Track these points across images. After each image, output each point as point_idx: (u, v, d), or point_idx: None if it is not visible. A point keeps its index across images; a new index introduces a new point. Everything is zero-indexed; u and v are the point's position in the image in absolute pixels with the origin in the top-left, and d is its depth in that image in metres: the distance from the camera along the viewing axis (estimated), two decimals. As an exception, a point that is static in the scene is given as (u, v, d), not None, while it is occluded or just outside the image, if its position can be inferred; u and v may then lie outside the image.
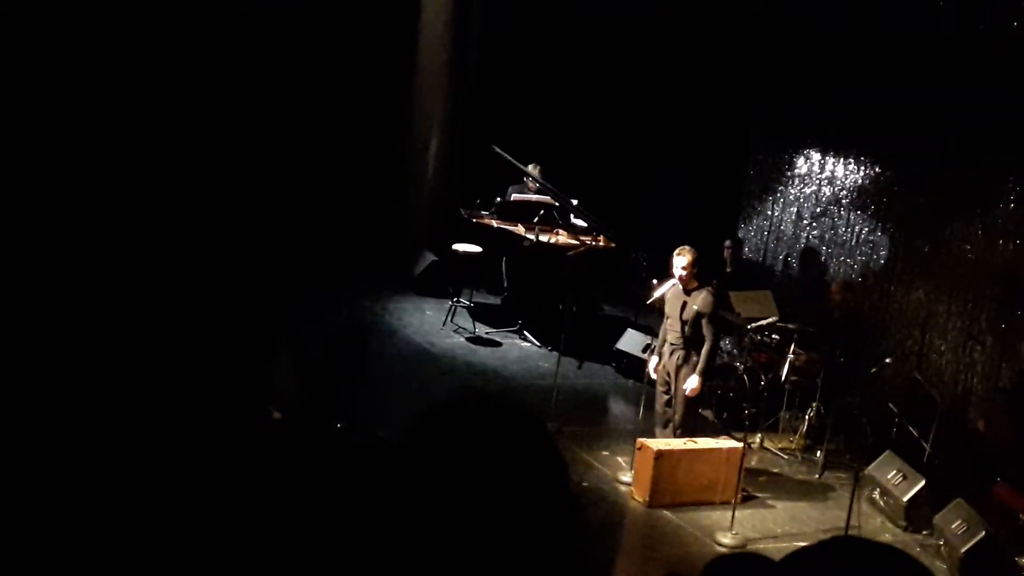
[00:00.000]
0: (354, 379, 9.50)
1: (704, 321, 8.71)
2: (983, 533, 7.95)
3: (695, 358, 8.75)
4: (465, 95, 14.24)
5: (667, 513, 8.51)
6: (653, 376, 9.15)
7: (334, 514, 1.95)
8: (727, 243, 12.49)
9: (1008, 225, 10.65)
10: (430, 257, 13.47)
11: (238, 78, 12.50)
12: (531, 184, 12.77)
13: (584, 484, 8.73)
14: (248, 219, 11.70)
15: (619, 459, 9.33)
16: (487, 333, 12.30)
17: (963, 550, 7.97)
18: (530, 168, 12.59)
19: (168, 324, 7.96)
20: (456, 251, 12.36)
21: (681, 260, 8.77)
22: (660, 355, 9.09)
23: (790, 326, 10.35)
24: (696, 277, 8.83)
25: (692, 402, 8.85)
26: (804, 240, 13.06)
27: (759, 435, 10.27)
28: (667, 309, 8.99)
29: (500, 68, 14.45)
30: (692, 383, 8.72)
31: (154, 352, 7.14)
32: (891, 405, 10.02)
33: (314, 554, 1.93)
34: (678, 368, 8.84)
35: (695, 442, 8.84)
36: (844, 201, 12.53)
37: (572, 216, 12.58)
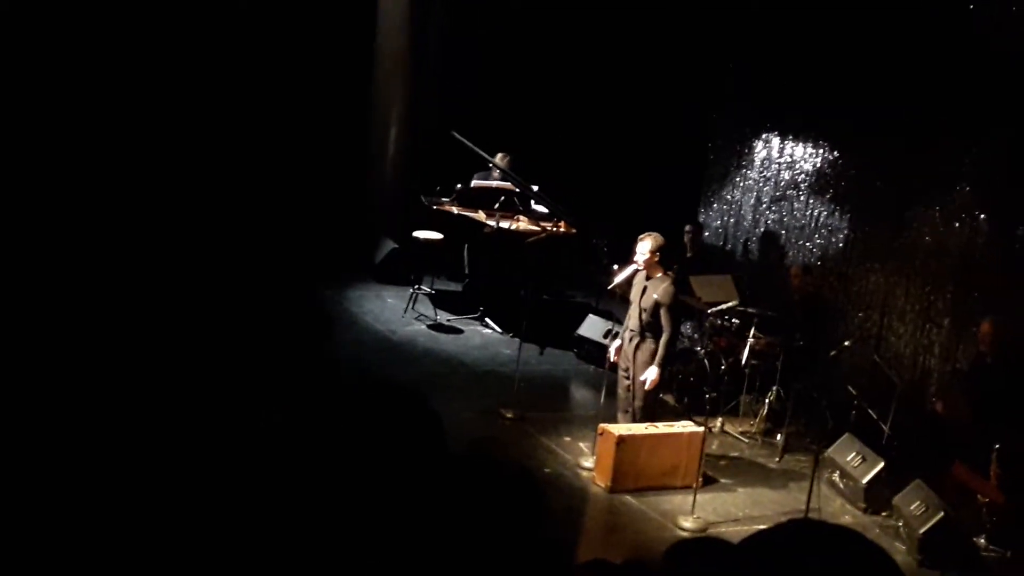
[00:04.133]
0: (313, 367, 9.49)
1: (663, 311, 8.68)
2: (941, 514, 8.04)
3: (652, 345, 8.74)
4: (425, 81, 14.19)
5: (629, 498, 8.54)
6: (614, 360, 9.15)
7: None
8: (687, 228, 12.53)
9: (964, 208, 10.75)
10: (391, 244, 13.43)
11: (196, 68, 12.42)
12: (494, 172, 12.76)
13: (546, 470, 8.74)
14: (208, 212, 11.65)
15: (581, 445, 9.35)
16: (448, 320, 12.28)
17: (921, 531, 8.05)
18: (498, 158, 12.55)
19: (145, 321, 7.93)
20: (417, 238, 12.32)
21: (644, 245, 8.76)
22: (622, 340, 9.10)
23: (750, 310, 10.41)
24: (660, 264, 8.81)
25: (652, 388, 8.86)
26: (764, 224, 13.13)
27: (720, 419, 10.33)
28: (631, 294, 8.99)
29: (460, 54, 14.42)
30: (650, 375, 8.71)
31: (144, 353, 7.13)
32: (850, 388, 10.09)
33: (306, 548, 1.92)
34: (636, 355, 8.84)
35: (656, 427, 8.86)
36: (803, 185, 12.61)
37: (533, 202, 12.58)
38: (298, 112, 13.33)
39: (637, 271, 8.89)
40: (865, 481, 8.86)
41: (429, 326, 12.08)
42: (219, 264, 10.80)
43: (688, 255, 12.20)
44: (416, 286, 12.50)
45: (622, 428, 8.74)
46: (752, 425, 10.44)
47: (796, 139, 12.75)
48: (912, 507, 8.25)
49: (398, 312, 12.30)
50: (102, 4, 11.91)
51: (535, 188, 12.50)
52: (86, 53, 11.73)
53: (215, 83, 12.60)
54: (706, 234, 13.44)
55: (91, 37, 11.78)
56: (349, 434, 1.78)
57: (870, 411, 9.94)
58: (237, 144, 12.63)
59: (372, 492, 1.72)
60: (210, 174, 12.23)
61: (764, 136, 13.14)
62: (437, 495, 1.72)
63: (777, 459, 9.90)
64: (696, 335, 11.23)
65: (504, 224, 12.10)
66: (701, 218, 13.74)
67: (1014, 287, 10.22)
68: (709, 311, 10.50)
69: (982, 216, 10.62)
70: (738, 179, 13.48)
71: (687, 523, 8.16)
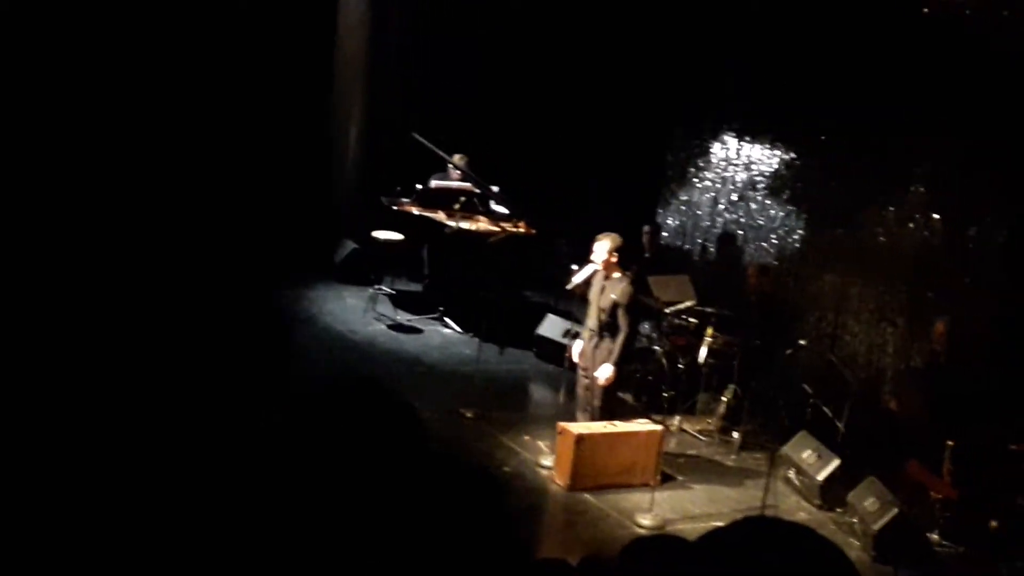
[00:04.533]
0: (276, 367, 9.47)
1: (620, 311, 8.74)
2: (895, 511, 8.15)
3: (611, 345, 8.80)
4: (385, 82, 14.17)
5: (588, 496, 8.59)
6: (576, 360, 9.21)
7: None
8: (646, 228, 12.58)
9: (918, 208, 10.89)
10: (351, 245, 13.41)
11: (154, 70, 12.34)
12: (453, 172, 12.77)
13: (506, 469, 8.79)
14: (166, 211, 11.59)
15: (540, 444, 9.39)
16: (408, 320, 12.29)
17: (876, 527, 8.16)
18: (456, 158, 12.57)
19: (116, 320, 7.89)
20: (377, 238, 12.31)
21: (602, 246, 8.81)
22: (583, 340, 9.15)
23: (707, 309, 10.49)
24: (618, 264, 8.87)
25: (611, 387, 8.92)
26: (721, 225, 13.22)
27: (678, 418, 10.40)
28: (590, 294, 9.05)
29: (420, 54, 14.40)
30: (605, 372, 8.77)
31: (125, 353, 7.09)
32: (806, 386, 10.20)
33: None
34: (595, 354, 8.91)
35: (615, 425, 8.92)
36: (760, 186, 12.71)
37: (493, 203, 12.61)
38: (258, 113, 13.26)
39: (596, 271, 8.94)
40: (820, 478, 8.97)
41: (389, 326, 12.09)
42: (178, 264, 10.75)
43: (646, 255, 12.25)
44: (376, 286, 12.50)
45: (581, 427, 8.80)
46: (709, 423, 10.52)
47: (753, 141, 12.85)
48: (866, 504, 8.36)
49: (358, 312, 12.30)
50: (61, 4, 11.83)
51: (495, 189, 12.53)
52: (40, 53, 11.64)
53: (175, 84, 12.52)
54: (664, 234, 13.51)
55: (48, 37, 11.69)
56: (324, 432, 1.81)
57: (825, 409, 10.04)
58: (198, 144, 12.56)
59: (348, 490, 1.76)
60: (171, 175, 12.16)
61: (722, 137, 13.23)
62: (403, 494, 1.76)
63: (734, 457, 9.99)
64: (654, 334, 11.29)
65: (464, 225, 12.12)
66: (659, 219, 13.81)
67: (967, 286, 10.38)
68: (667, 311, 10.58)
69: (935, 216, 10.77)
70: (696, 180, 13.57)
71: (645, 520, 8.23)
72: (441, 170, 12.87)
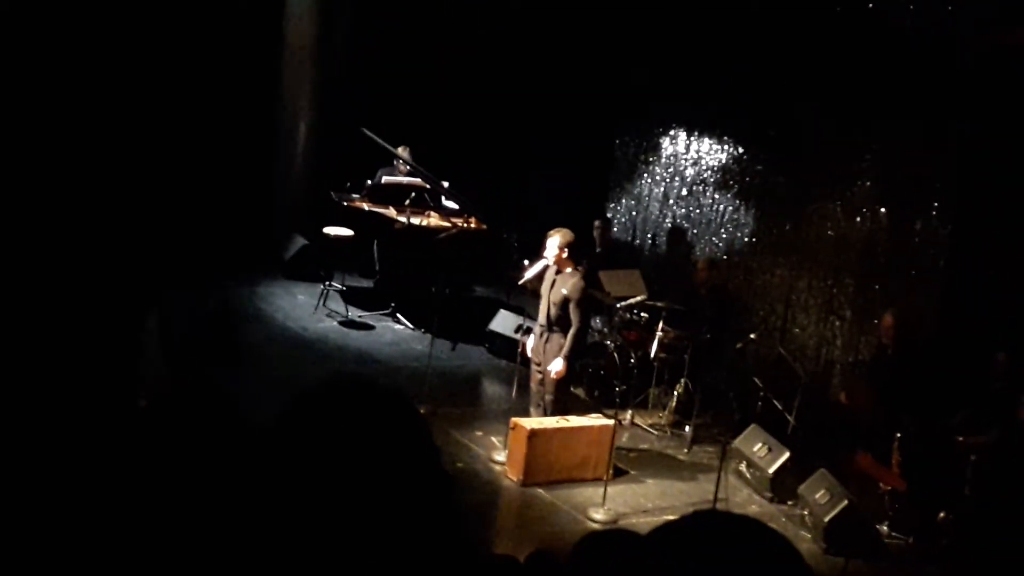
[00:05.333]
0: (224, 364, 9.40)
1: (571, 305, 8.76)
2: (845, 502, 8.22)
3: (562, 339, 8.81)
4: (333, 77, 14.11)
5: (541, 491, 8.61)
6: (530, 355, 9.22)
7: (207, 502, 1.96)
8: (596, 223, 12.62)
9: (865, 202, 11.00)
10: (301, 241, 13.35)
11: (102, 62, 12.20)
12: (401, 167, 12.75)
13: (459, 465, 8.78)
14: (113, 202, 11.44)
15: (493, 439, 9.40)
16: (360, 316, 12.25)
17: (827, 519, 8.23)
18: (400, 150, 12.56)
19: (26, 311, 7.75)
20: (327, 235, 12.27)
21: (553, 241, 8.81)
22: (535, 335, 9.17)
23: (658, 304, 10.53)
24: (569, 259, 8.88)
25: (563, 381, 8.92)
26: (671, 219, 13.28)
27: (629, 412, 10.44)
28: (541, 289, 9.06)
29: (369, 49, 14.35)
30: (556, 366, 8.78)
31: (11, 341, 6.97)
32: (756, 380, 10.26)
33: (185, 545, 1.93)
34: (546, 348, 8.92)
35: (567, 420, 8.94)
36: (709, 181, 12.78)
37: (443, 198, 12.60)
38: (205, 108, 13.15)
39: (547, 266, 8.96)
40: (771, 471, 9.03)
41: (340, 323, 12.04)
42: (126, 261, 10.63)
43: (597, 250, 12.30)
44: (327, 282, 12.45)
45: (534, 422, 8.81)
46: (661, 417, 10.57)
47: (702, 135, 12.92)
48: (817, 496, 8.43)
49: (309, 309, 12.24)
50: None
51: (446, 184, 12.52)
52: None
53: (119, 77, 12.38)
54: (615, 229, 13.56)
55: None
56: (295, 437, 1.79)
57: (775, 402, 10.12)
58: (146, 141, 12.43)
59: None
60: (118, 169, 12.02)
61: (671, 133, 13.29)
62: (356, 492, 1.75)
63: (685, 450, 10.04)
64: (606, 329, 11.33)
65: (415, 220, 12.10)
66: (609, 214, 13.85)
67: (914, 280, 10.50)
68: (618, 305, 10.61)
69: (882, 210, 10.88)
70: (645, 175, 13.62)
71: (598, 515, 8.26)
72: (388, 164, 12.84)
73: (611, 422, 8.91)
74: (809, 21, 11.15)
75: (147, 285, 9.96)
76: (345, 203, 12.47)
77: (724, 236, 12.53)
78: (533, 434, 8.59)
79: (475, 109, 14.54)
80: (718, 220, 12.61)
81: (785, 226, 11.80)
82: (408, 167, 12.60)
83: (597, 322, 11.32)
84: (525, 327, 10.45)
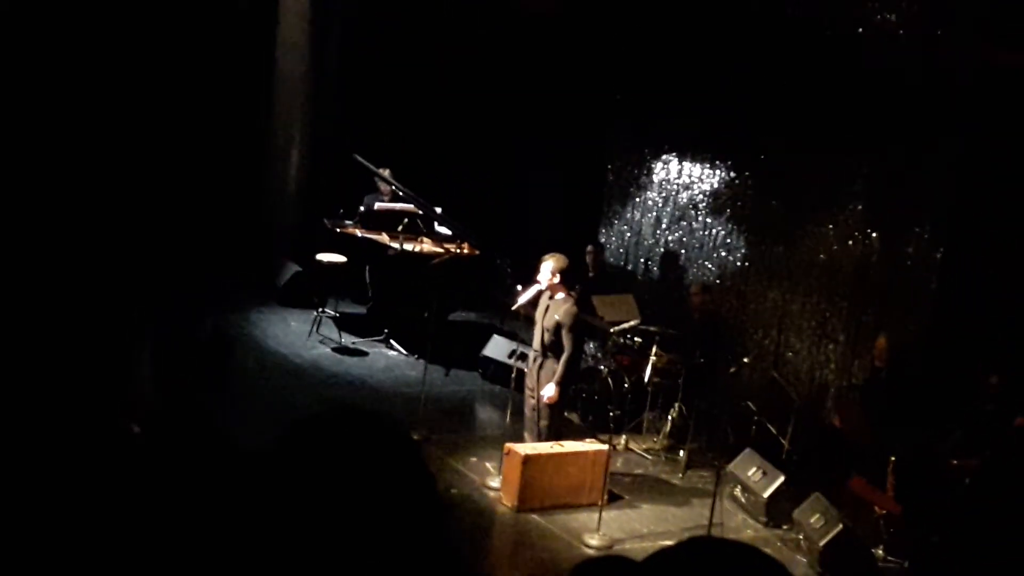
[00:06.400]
0: (216, 390, 9.38)
1: (564, 331, 8.76)
2: (840, 526, 8.21)
3: (555, 365, 8.82)
4: (325, 104, 14.14)
5: (535, 517, 8.59)
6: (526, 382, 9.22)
7: (200, 527, 1.96)
8: (589, 248, 12.61)
9: (857, 226, 11.02)
10: (294, 268, 13.34)
11: (100, 83, 12.21)
12: (384, 188, 12.75)
13: (453, 491, 8.76)
14: (106, 227, 11.43)
15: (487, 465, 9.38)
16: (353, 343, 12.24)
17: (821, 543, 8.22)
18: (382, 171, 12.57)
19: (17, 335, 7.73)
20: (320, 261, 12.27)
21: (546, 266, 8.83)
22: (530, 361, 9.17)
23: (652, 328, 10.54)
24: (562, 284, 8.89)
25: (556, 407, 8.93)
26: (663, 244, 13.29)
27: (624, 437, 10.43)
28: (535, 315, 9.07)
29: (361, 76, 14.39)
30: (548, 391, 8.79)
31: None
32: (750, 404, 10.26)
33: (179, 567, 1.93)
34: (540, 374, 8.92)
35: (562, 445, 8.93)
36: (701, 205, 12.79)
37: (436, 224, 12.61)
38: (199, 134, 13.17)
39: (540, 291, 8.97)
40: (766, 495, 9.02)
41: (334, 349, 12.03)
42: (117, 284, 10.61)
43: (590, 275, 12.29)
44: (320, 309, 12.44)
45: (528, 448, 8.80)
46: (655, 442, 10.56)
47: (693, 160, 12.94)
48: (812, 520, 8.42)
49: (302, 336, 12.23)
50: None
51: (438, 210, 12.54)
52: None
53: (114, 105, 12.39)
54: (607, 254, 13.56)
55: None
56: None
57: (770, 426, 10.12)
58: (139, 167, 12.43)
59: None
60: (111, 192, 12.02)
61: (663, 157, 13.31)
62: (351, 519, 1.75)
63: (680, 475, 10.03)
64: (599, 354, 11.34)
65: (408, 246, 12.11)
66: (602, 238, 13.86)
67: (906, 303, 10.51)
68: (612, 330, 10.62)
69: (874, 234, 10.90)
70: (638, 199, 13.63)
71: (593, 541, 8.24)
72: (374, 191, 12.87)
73: (605, 447, 8.91)
74: (800, 45, 11.18)
75: (139, 312, 9.95)
76: (338, 229, 12.48)
77: (717, 260, 12.53)
78: (527, 460, 8.58)
79: (468, 134, 14.57)
80: (711, 244, 12.62)
81: (777, 250, 11.82)
82: (392, 187, 12.59)
83: (591, 347, 11.32)
84: (519, 353, 10.45)
